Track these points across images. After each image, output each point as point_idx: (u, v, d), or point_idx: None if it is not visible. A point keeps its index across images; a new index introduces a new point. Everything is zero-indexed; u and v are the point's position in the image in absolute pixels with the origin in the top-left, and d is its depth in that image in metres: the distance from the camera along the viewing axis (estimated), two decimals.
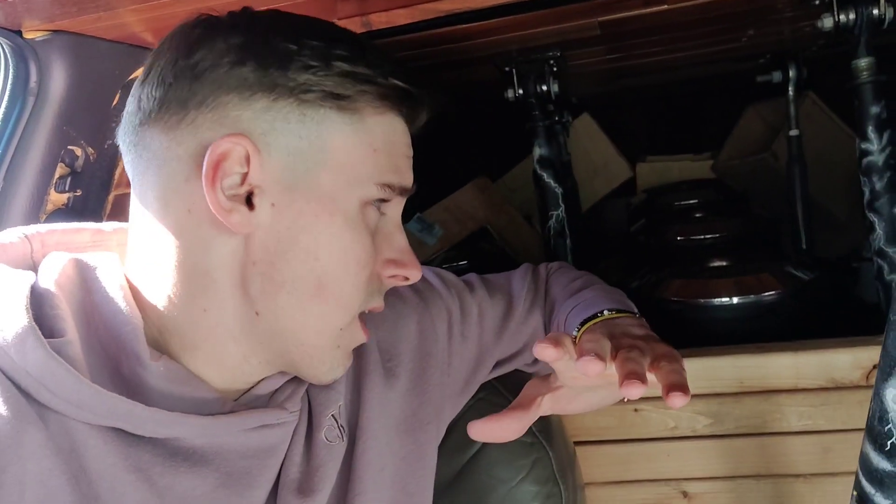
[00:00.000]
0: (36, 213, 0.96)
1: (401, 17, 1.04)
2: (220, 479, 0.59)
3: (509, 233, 1.85)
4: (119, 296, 0.59)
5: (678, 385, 0.53)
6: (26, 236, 0.64)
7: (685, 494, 1.04)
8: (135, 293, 0.61)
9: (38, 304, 0.56)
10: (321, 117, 0.57)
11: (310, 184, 0.57)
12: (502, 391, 0.87)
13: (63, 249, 0.65)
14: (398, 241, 0.64)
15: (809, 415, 0.99)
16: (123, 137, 0.61)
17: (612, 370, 0.58)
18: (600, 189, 2.19)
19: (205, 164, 0.55)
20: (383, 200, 0.62)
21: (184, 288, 0.59)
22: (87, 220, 1.01)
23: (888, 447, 0.53)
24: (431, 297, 0.80)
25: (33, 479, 0.51)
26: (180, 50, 0.58)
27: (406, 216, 1.83)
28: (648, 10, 1.21)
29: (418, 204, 1.68)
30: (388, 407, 0.73)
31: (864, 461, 0.58)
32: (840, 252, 1.87)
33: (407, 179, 0.63)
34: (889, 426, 0.53)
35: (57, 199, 0.98)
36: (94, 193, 1.04)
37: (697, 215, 1.55)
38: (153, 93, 0.58)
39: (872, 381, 0.96)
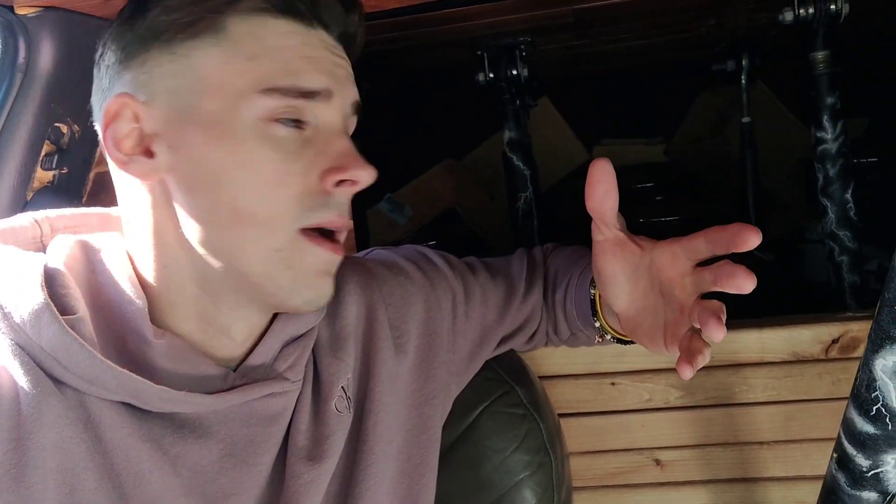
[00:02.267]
0: (23, 190, 0.95)
1: (389, 1, 1.05)
2: (225, 448, 0.62)
3: (477, 214, 1.88)
4: (123, 276, 0.61)
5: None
6: (36, 220, 0.66)
7: (658, 462, 1.10)
8: (136, 272, 0.62)
9: (50, 283, 0.57)
10: (187, 49, 0.58)
11: (195, 116, 0.58)
12: (496, 368, 0.91)
13: (71, 233, 0.66)
14: (336, 146, 0.61)
15: (773, 386, 1.06)
16: None
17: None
18: (558, 171, 2.25)
19: (100, 130, 0.61)
20: (292, 113, 0.59)
21: (152, 254, 0.61)
22: (71, 197, 1.02)
23: (873, 412, 0.59)
24: (437, 278, 0.82)
25: (55, 446, 0.53)
26: (112, 31, 0.62)
27: (377, 196, 1.85)
28: None
29: (389, 185, 1.69)
30: (397, 381, 0.75)
31: (848, 425, 0.64)
32: (783, 233, 1.97)
33: (309, 80, 0.59)
34: (876, 393, 0.58)
35: (43, 176, 0.97)
36: (77, 171, 1.03)
37: (658, 198, 1.61)
38: (99, 75, 0.63)
39: (832, 354, 1.04)
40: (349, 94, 0.63)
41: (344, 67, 0.63)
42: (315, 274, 0.61)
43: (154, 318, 0.60)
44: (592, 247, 0.71)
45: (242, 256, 0.59)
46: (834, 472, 0.67)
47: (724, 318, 0.59)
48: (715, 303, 0.60)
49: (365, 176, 0.61)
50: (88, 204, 1.05)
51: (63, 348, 0.54)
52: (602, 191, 0.64)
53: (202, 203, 0.58)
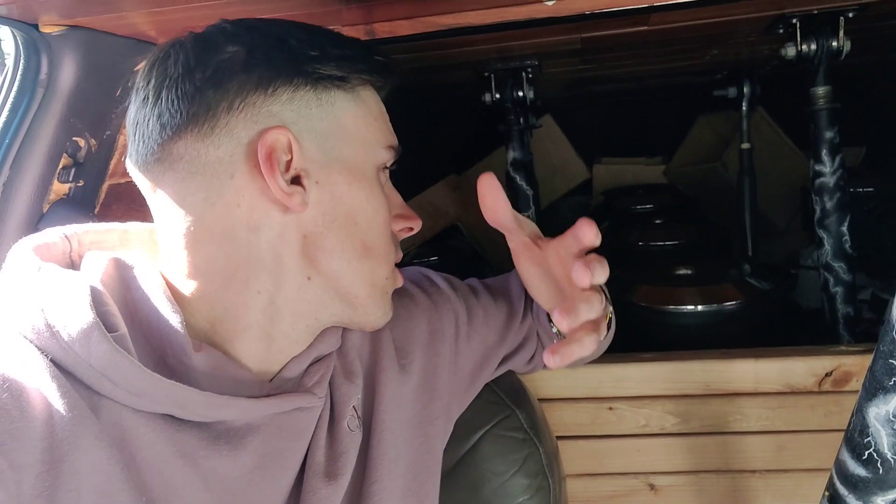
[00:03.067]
0: (40, 202, 0.96)
1: (403, 28, 1.07)
2: (255, 460, 0.63)
3: (479, 230, 1.90)
4: (159, 293, 0.62)
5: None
6: (66, 236, 0.67)
7: (652, 487, 1.13)
8: (172, 289, 0.64)
9: (93, 301, 0.58)
10: (332, 99, 0.64)
11: (338, 158, 0.64)
12: (497, 391, 0.93)
13: (96, 248, 0.68)
14: (396, 198, 0.73)
15: (767, 416, 1.08)
16: (142, 156, 0.64)
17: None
18: (558, 189, 2.27)
19: (260, 158, 0.60)
20: (387, 163, 0.69)
21: (237, 276, 0.63)
22: (85, 209, 1.04)
23: (865, 456, 0.62)
24: (440, 300, 0.85)
25: (90, 469, 0.54)
26: (191, 63, 0.62)
27: None
28: (630, 29, 1.28)
29: None
30: (401, 402, 0.77)
31: (840, 467, 0.66)
32: (777, 257, 2.00)
33: (395, 139, 0.70)
34: (868, 438, 0.61)
35: (59, 188, 0.98)
36: (92, 183, 1.05)
37: (657, 221, 1.63)
38: (177, 107, 0.61)
39: (825, 387, 1.07)
40: None
41: None
42: (391, 297, 0.72)
43: (192, 333, 0.62)
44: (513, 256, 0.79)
45: (361, 283, 0.67)
46: None
47: (597, 266, 0.60)
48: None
49: (419, 225, 0.74)
50: (100, 214, 1.07)
51: (113, 364, 0.55)
52: (490, 201, 0.71)
53: (336, 236, 0.64)
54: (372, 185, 0.66)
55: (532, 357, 0.93)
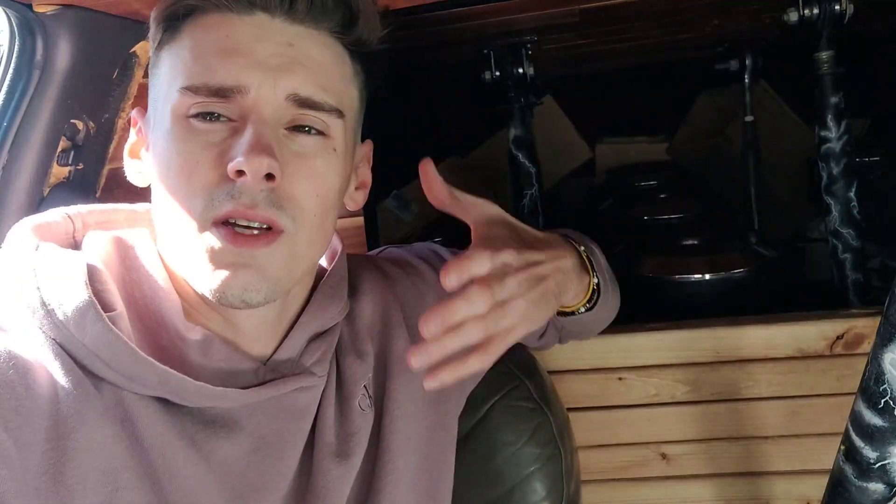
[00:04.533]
0: (40, 186, 0.96)
1: (399, 0, 1.06)
2: (254, 442, 0.63)
3: None
4: (157, 272, 0.62)
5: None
6: (69, 216, 0.66)
7: (664, 456, 1.12)
8: (167, 269, 0.63)
9: (90, 280, 0.58)
10: (157, 60, 0.63)
11: (152, 121, 0.63)
12: (507, 362, 0.92)
13: (101, 229, 0.67)
14: (240, 137, 0.58)
15: (778, 382, 1.07)
16: None
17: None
18: (561, 169, 2.26)
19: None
20: (203, 107, 0.58)
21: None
22: (86, 193, 1.03)
23: (881, 405, 0.61)
24: None
25: (97, 447, 0.54)
26: None
27: (384, 193, 1.86)
28: None
29: (396, 182, 1.71)
30: (414, 380, 0.75)
31: (856, 418, 0.65)
32: (782, 232, 1.99)
33: (220, 77, 0.58)
34: (884, 386, 0.60)
35: (59, 172, 0.98)
36: (92, 167, 1.04)
37: (662, 196, 1.63)
38: None
39: (836, 350, 1.06)
40: (281, 84, 0.59)
41: (285, 55, 0.59)
42: (215, 266, 0.58)
43: (188, 315, 0.61)
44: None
45: (168, 241, 0.61)
46: (841, 463, 0.69)
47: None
48: None
49: (245, 164, 0.55)
50: (102, 198, 1.06)
51: (106, 345, 0.55)
52: (429, 187, 0.68)
53: (155, 198, 0.62)
54: (172, 136, 0.58)
55: (543, 333, 0.91)
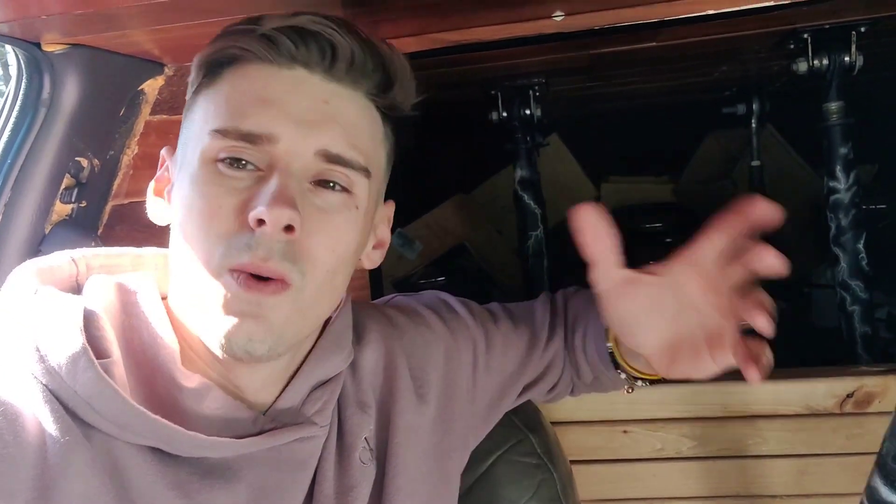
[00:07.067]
0: (42, 223, 0.95)
1: (410, 44, 1.06)
2: (252, 494, 0.61)
3: (487, 250, 1.89)
4: (157, 318, 0.61)
5: None
6: (73, 259, 0.65)
7: None
8: (171, 315, 0.62)
9: (86, 325, 0.57)
10: (192, 104, 0.64)
11: (180, 163, 0.63)
12: (510, 414, 0.90)
13: (105, 272, 0.66)
14: (265, 186, 0.57)
15: (787, 439, 1.05)
16: None
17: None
18: (565, 208, 2.25)
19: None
20: (232, 152, 0.58)
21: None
22: (88, 231, 1.02)
23: None
24: (458, 327, 0.82)
25: (81, 496, 0.52)
26: None
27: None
28: (638, 45, 1.27)
29: (400, 220, 1.70)
30: (417, 433, 0.74)
31: (872, 493, 0.63)
32: (792, 277, 1.97)
33: (252, 124, 0.58)
34: None
35: (62, 209, 0.97)
36: (95, 204, 1.03)
37: (667, 240, 1.61)
38: None
39: (846, 409, 1.04)
40: (313, 139, 0.59)
41: (320, 111, 0.60)
42: (225, 312, 0.57)
43: (186, 362, 0.60)
44: (599, 299, 0.70)
45: (181, 290, 0.61)
46: None
47: (769, 308, 0.58)
48: (759, 293, 0.60)
49: (266, 214, 0.55)
50: (104, 236, 1.05)
51: (97, 393, 0.54)
52: (592, 236, 0.66)
53: (174, 239, 0.61)
54: (197, 179, 0.58)
55: (554, 386, 0.88)
